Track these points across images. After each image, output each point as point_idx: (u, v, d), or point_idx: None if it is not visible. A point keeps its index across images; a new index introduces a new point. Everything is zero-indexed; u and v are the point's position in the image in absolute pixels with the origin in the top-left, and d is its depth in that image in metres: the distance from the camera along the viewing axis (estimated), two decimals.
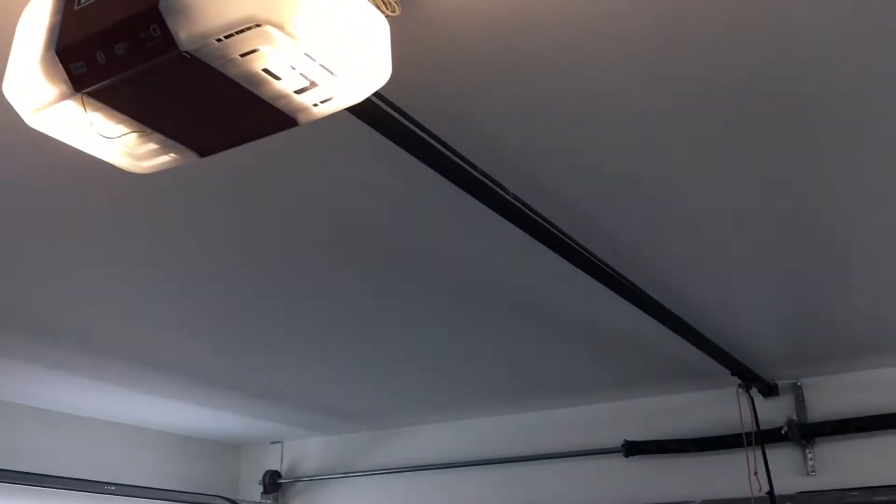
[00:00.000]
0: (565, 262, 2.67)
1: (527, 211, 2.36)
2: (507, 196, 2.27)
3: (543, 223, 2.45)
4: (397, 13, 1.64)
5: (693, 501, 4.49)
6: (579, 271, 2.75)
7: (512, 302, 3.37)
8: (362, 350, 4.00)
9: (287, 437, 6.03)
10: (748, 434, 4.21)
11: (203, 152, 1.54)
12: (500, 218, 2.33)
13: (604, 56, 1.87)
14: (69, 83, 1.33)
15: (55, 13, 1.35)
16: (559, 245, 2.56)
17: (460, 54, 1.86)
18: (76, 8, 1.32)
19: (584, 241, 2.65)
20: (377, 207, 2.58)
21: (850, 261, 3.00)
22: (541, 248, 2.55)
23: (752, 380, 4.21)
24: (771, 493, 3.94)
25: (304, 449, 5.99)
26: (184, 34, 1.21)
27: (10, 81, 1.40)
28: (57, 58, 1.31)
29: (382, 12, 1.53)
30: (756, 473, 4.00)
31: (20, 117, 1.41)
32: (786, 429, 4.29)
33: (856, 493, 4.14)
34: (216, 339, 3.80)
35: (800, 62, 1.92)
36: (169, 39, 1.22)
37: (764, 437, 4.16)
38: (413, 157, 2.00)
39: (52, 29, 1.34)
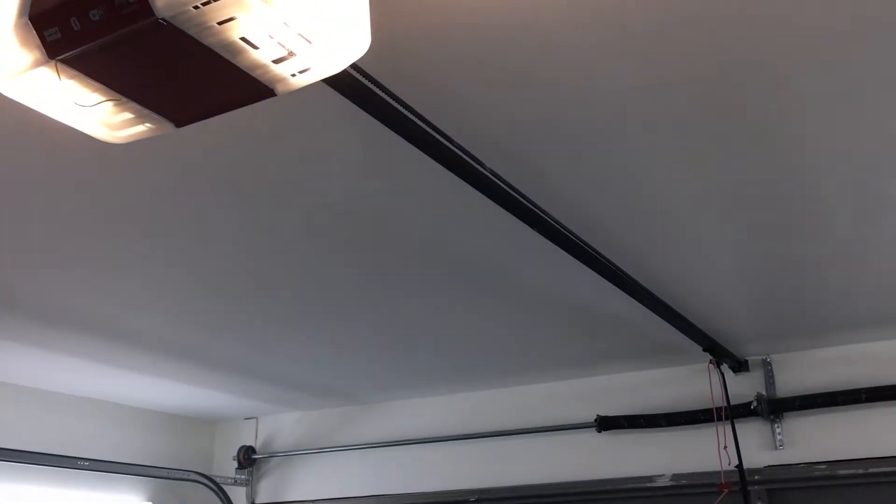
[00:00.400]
0: (539, 237, 2.69)
1: (501, 185, 2.37)
2: (482, 170, 2.28)
3: (518, 197, 2.46)
4: None
5: (664, 475, 4.56)
6: (553, 246, 2.77)
7: (484, 276, 3.38)
8: (336, 325, 4.00)
9: (262, 413, 6.03)
10: (718, 409, 4.29)
11: (179, 122, 1.53)
12: (474, 191, 2.34)
13: (587, 24, 1.88)
14: (43, 50, 1.32)
15: None
16: (531, 218, 2.57)
17: (432, 21, 1.86)
18: None
19: (558, 216, 2.67)
20: (351, 180, 2.58)
21: (820, 241, 3.05)
22: (513, 222, 2.56)
23: (722, 356, 4.28)
24: (740, 466, 4.01)
25: (279, 424, 6.00)
26: (160, 1, 1.20)
27: None
28: (30, 24, 1.30)
29: None
30: (726, 448, 4.08)
31: None
32: (755, 404, 4.36)
33: (823, 467, 4.23)
34: (190, 313, 3.79)
35: (774, 53, 1.95)
36: (145, 6, 1.21)
37: (733, 413, 4.23)
38: (387, 128, 2.00)
39: None
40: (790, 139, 2.35)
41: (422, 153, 2.12)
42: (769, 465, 4.37)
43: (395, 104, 1.93)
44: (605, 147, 2.38)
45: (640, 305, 3.43)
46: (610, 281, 3.14)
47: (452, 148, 2.15)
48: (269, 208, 2.75)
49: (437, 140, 2.10)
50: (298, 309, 3.76)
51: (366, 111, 1.90)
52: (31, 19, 1.29)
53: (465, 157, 2.21)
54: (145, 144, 1.70)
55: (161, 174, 2.51)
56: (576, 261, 2.92)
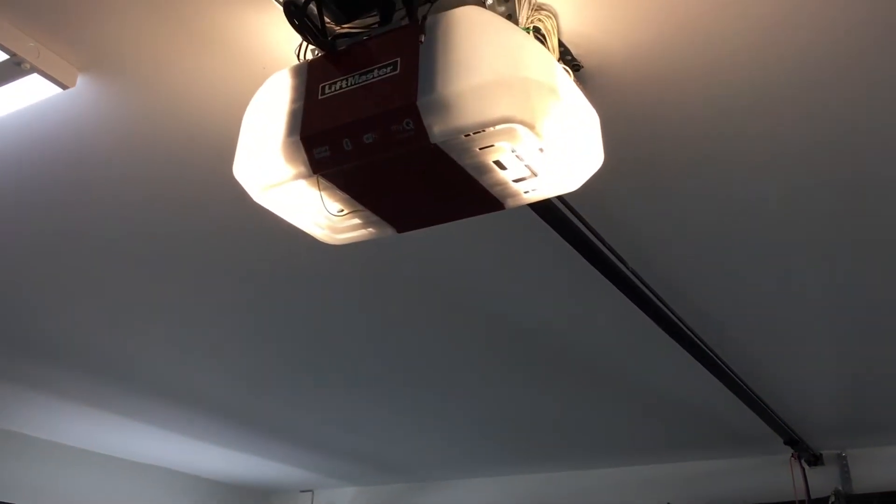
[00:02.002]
0: (638, 323, 2.75)
1: (620, 268, 2.44)
2: (609, 254, 2.36)
3: (621, 270, 2.53)
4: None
5: None
6: (652, 331, 2.82)
7: (573, 361, 3.43)
8: (402, 401, 4.04)
9: (318, 486, 6.02)
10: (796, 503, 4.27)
11: (402, 229, 1.63)
12: (574, 275, 2.42)
13: (743, 140, 1.99)
14: (308, 165, 1.43)
15: (295, 100, 1.45)
16: (651, 311, 2.64)
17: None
18: (321, 97, 1.42)
19: (671, 305, 2.75)
20: (461, 263, 2.67)
21: None
22: (604, 303, 2.63)
23: (802, 450, 4.28)
24: None
25: (336, 499, 5.99)
26: (437, 128, 1.31)
27: (242, 163, 1.49)
28: (301, 143, 1.41)
29: None
30: None
31: None
32: (833, 499, 4.34)
33: None
34: (255, 378, 3.83)
35: None
36: (421, 132, 1.32)
37: None
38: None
39: (293, 115, 1.44)
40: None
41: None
42: None
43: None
44: (730, 246, 2.47)
45: (726, 393, 3.45)
46: (707, 368, 3.18)
47: (585, 233, 2.25)
48: (376, 296, 2.84)
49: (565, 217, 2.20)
50: (380, 382, 3.81)
51: (545, 220, 2.01)
52: (302, 139, 1.41)
53: (599, 245, 2.30)
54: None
55: (296, 261, 2.61)
56: (672, 345, 2.96)
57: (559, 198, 2.01)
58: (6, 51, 1.69)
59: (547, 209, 1.98)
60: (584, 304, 2.87)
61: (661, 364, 3.37)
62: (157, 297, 2.92)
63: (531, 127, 1.30)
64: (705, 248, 2.48)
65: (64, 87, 1.82)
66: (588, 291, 2.69)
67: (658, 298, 2.61)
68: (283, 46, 1.71)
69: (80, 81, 1.83)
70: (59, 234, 2.51)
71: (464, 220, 1.61)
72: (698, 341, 2.96)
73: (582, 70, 1.80)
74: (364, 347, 3.41)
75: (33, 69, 1.75)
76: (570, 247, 2.18)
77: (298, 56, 1.54)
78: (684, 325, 2.82)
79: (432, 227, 1.64)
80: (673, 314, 2.69)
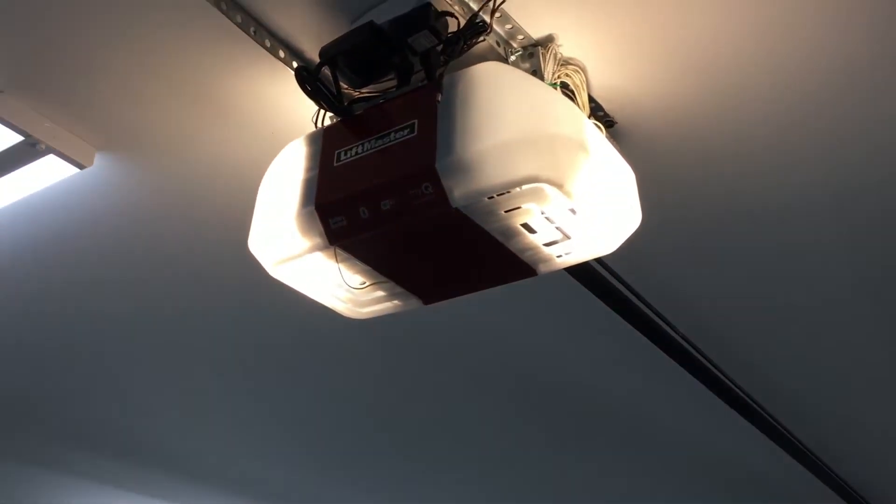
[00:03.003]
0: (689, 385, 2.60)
1: (683, 344, 2.32)
2: (674, 334, 2.24)
3: (702, 360, 2.40)
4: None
5: None
6: (710, 399, 2.67)
7: (602, 423, 3.26)
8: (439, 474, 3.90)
9: None
10: None
11: (428, 300, 1.53)
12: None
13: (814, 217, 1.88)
14: (324, 236, 1.34)
15: (309, 169, 1.38)
16: (708, 379, 2.50)
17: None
18: (335, 164, 1.34)
19: (728, 368, 2.60)
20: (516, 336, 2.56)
21: None
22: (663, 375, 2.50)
23: None
24: None
25: None
26: (458, 192, 1.22)
27: (256, 236, 1.41)
28: (316, 213, 1.33)
29: None
30: None
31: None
32: None
33: None
34: (300, 460, 3.73)
35: None
36: (440, 196, 1.23)
37: None
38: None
39: (307, 185, 1.36)
40: None
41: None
42: None
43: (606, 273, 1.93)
44: (788, 301, 2.33)
45: (780, 454, 3.24)
46: (763, 432, 3.00)
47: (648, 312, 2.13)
48: (433, 359, 2.74)
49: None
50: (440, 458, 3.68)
51: (583, 284, 1.90)
52: (317, 208, 1.32)
53: (656, 319, 2.18)
54: None
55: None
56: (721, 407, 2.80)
57: (597, 260, 1.90)
58: (21, 132, 1.66)
59: (585, 272, 1.87)
60: (631, 369, 2.73)
61: (716, 430, 3.19)
62: (173, 373, 2.86)
63: (559, 186, 1.20)
64: (757, 306, 2.34)
65: (81, 166, 1.78)
66: (638, 359, 2.55)
67: (726, 375, 2.47)
68: (300, 113, 1.65)
69: (98, 159, 1.79)
70: (79, 313, 2.47)
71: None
72: (757, 406, 2.79)
73: (616, 126, 1.70)
74: (392, 421, 3.30)
75: (49, 150, 1.71)
76: (613, 311, 2.07)
77: (316, 123, 1.47)
78: (741, 391, 2.65)
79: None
80: (735, 384, 2.54)
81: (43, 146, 1.70)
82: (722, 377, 2.54)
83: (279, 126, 1.69)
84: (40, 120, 1.68)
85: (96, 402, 3.11)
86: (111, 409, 3.17)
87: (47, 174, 1.78)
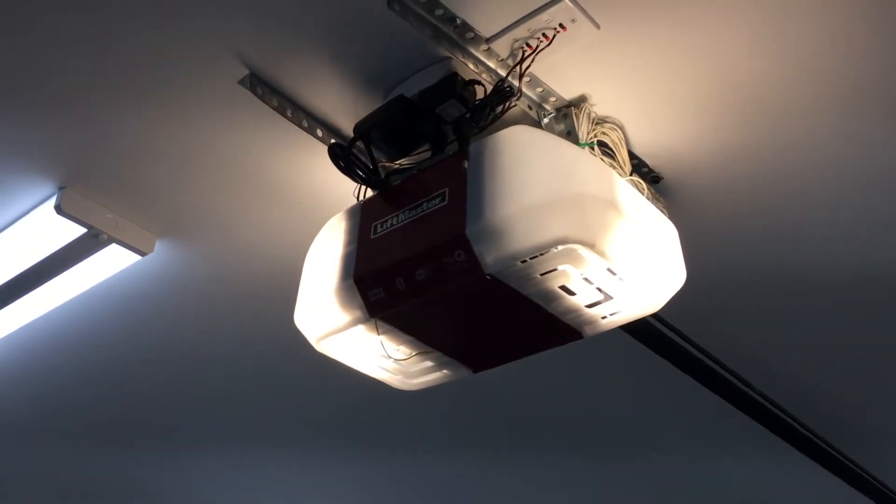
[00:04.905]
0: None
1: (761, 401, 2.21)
2: (752, 392, 2.14)
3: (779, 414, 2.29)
4: None
5: None
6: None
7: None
8: None
9: None
10: None
11: (477, 368, 1.51)
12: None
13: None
14: (364, 309, 1.34)
15: (349, 243, 1.39)
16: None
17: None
18: (372, 237, 1.36)
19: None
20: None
21: None
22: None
23: None
24: None
25: None
26: (490, 257, 1.20)
27: (301, 312, 1.43)
28: (355, 286, 1.33)
29: None
30: None
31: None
32: None
33: None
34: None
35: None
36: (473, 263, 1.22)
37: None
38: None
39: (346, 258, 1.37)
40: None
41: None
42: None
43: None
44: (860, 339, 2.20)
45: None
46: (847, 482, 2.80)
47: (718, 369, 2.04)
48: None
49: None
50: None
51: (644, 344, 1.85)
52: (355, 281, 1.33)
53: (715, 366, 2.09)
54: None
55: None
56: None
57: (658, 318, 1.84)
58: (84, 224, 1.74)
59: (643, 332, 1.82)
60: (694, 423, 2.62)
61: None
62: (241, 447, 2.88)
63: (590, 246, 1.17)
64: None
65: (143, 253, 1.84)
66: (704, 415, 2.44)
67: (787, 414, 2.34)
68: (344, 188, 1.67)
69: (158, 246, 1.86)
70: (146, 397, 2.54)
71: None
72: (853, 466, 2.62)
73: (663, 181, 1.67)
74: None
75: (111, 239, 1.78)
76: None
77: (357, 197, 1.49)
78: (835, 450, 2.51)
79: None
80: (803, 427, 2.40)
81: (105, 236, 1.77)
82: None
83: (325, 202, 1.72)
84: (102, 211, 1.76)
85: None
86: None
87: (111, 263, 1.85)
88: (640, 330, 1.87)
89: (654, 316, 1.79)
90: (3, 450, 2.97)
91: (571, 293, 1.30)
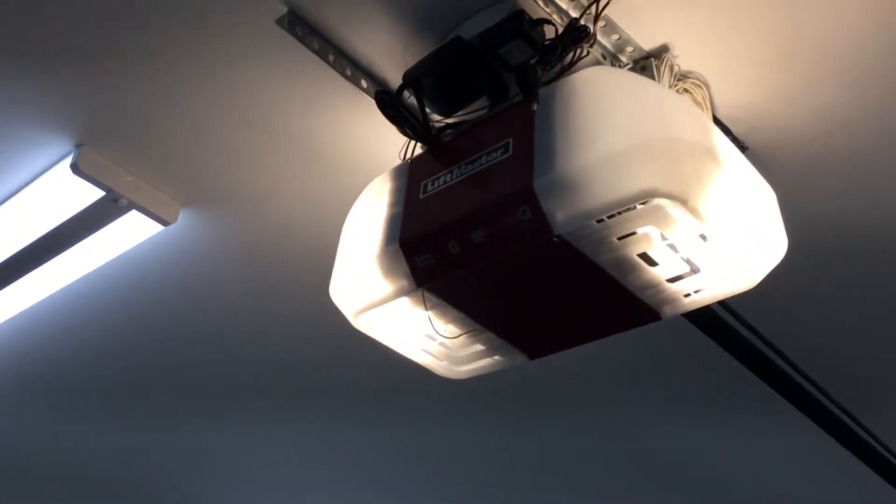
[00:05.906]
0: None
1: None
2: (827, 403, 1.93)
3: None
4: None
5: None
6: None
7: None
8: None
9: None
10: None
11: (534, 354, 1.32)
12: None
13: None
14: (410, 278, 1.17)
15: (394, 204, 1.22)
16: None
17: None
18: (422, 196, 1.18)
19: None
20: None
21: None
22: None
23: None
24: None
25: None
26: (561, 215, 1.02)
27: (338, 283, 1.26)
28: (400, 251, 1.16)
29: None
30: None
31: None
32: None
33: None
34: None
35: None
36: (541, 222, 1.03)
37: None
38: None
39: (391, 221, 1.20)
40: None
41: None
42: None
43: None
44: None
45: None
46: None
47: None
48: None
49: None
50: None
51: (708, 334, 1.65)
52: (401, 246, 1.16)
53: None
54: None
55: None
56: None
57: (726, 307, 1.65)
58: (102, 186, 1.58)
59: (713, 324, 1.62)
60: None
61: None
62: (272, 431, 2.72)
63: (684, 202, 0.98)
64: None
65: (166, 223, 1.69)
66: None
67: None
68: (388, 150, 1.50)
69: (183, 216, 1.70)
70: (171, 370, 2.37)
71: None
72: None
73: (747, 151, 1.48)
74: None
75: (131, 205, 1.63)
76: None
77: (403, 157, 1.32)
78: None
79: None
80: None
81: (125, 201, 1.62)
82: None
83: (368, 166, 1.55)
84: (121, 174, 1.61)
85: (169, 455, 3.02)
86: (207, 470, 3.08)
87: (130, 233, 1.70)
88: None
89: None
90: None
91: (653, 263, 1.11)
